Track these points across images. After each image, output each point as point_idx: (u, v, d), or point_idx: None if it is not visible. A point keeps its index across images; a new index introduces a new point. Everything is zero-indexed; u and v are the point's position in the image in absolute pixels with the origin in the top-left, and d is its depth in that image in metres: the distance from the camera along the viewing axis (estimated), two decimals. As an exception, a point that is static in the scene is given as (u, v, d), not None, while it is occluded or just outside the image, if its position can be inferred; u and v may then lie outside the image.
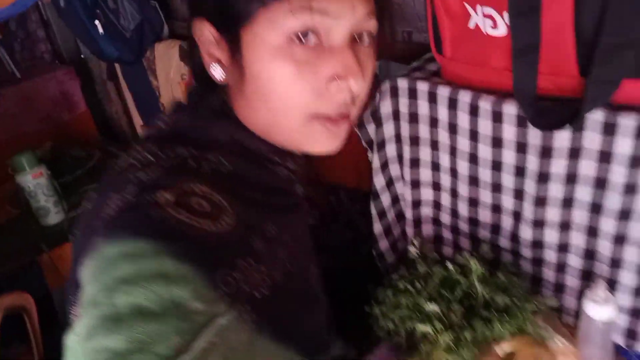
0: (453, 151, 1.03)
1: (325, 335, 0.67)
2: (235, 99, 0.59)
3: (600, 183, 0.86)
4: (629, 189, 0.83)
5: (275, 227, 0.59)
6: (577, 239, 0.95)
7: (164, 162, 0.54)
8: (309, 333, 0.61)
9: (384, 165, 1.13)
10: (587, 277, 0.96)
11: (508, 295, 0.92)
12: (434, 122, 1.03)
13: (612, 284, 0.92)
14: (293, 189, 0.67)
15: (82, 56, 2.82)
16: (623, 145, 0.81)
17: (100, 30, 1.95)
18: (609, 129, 0.81)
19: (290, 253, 0.60)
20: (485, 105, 0.92)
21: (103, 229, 0.49)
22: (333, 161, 0.68)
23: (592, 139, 0.84)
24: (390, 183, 1.16)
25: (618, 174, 0.84)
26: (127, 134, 2.65)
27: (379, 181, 1.14)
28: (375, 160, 1.12)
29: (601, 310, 0.81)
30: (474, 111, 0.95)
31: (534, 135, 0.89)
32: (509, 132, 0.92)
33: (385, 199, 1.16)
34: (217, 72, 0.55)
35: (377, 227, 1.17)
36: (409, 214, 1.18)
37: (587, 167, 0.86)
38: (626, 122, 0.79)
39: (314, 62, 0.52)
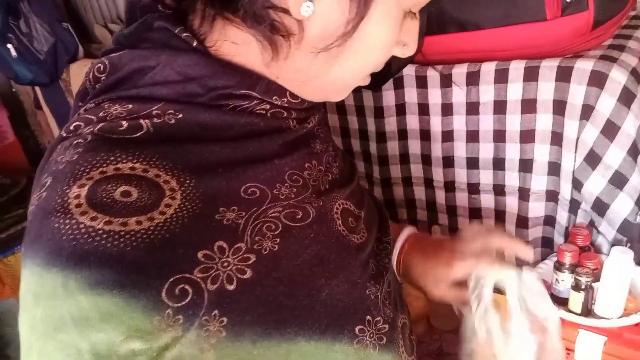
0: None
1: (364, 291, 0.50)
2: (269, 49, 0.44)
3: (425, 135, 0.95)
4: (446, 137, 0.92)
5: (259, 183, 0.46)
6: (419, 193, 1.03)
7: (88, 131, 0.42)
8: (333, 298, 0.46)
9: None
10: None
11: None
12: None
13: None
14: (285, 126, 0.51)
15: (13, 89, 2.86)
16: (433, 96, 0.90)
17: (14, 53, 2.00)
18: (421, 82, 0.91)
19: (291, 206, 0.47)
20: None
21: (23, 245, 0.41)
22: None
23: (410, 94, 0.93)
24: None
25: (436, 124, 0.93)
26: (55, 160, 2.67)
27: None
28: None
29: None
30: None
31: (368, 98, 0.98)
32: (349, 98, 1.01)
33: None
34: (308, 10, 0.41)
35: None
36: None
37: (413, 122, 0.95)
38: (433, 73, 0.89)
39: (400, 30, 0.47)
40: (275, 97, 0.48)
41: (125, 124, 0.43)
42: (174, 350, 0.37)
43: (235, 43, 0.45)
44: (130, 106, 0.44)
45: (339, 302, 0.47)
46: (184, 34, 0.45)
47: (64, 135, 0.44)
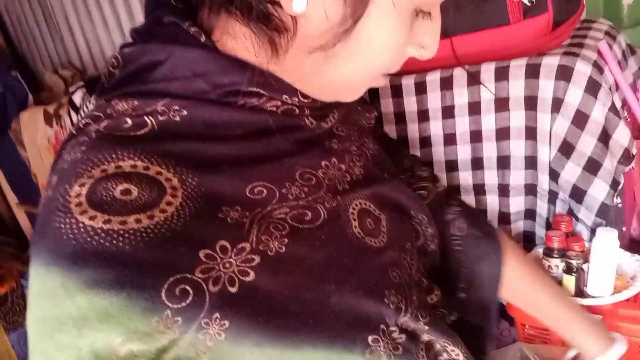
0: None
1: (382, 299, 0.47)
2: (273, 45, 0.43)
3: (403, 143, 0.98)
4: (424, 142, 0.96)
5: (266, 182, 0.44)
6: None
7: (94, 129, 0.42)
8: (344, 305, 0.44)
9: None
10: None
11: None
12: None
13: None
14: (299, 124, 0.49)
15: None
16: (409, 104, 0.94)
17: (-40, 105, 1.93)
18: (397, 91, 0.94)
19: (301, 206, 0.46)
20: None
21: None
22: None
23: (386, 104, 0.96)
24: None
25: (413, 131, 0.96)
26: (4, 214, 2.55)
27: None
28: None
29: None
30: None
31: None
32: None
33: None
34: (300, 5, 0.40)
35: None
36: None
37: (390, 131, 0.98)
38: (408, 82, 0.93)
39: (414, 30, 0.45)
40: (285, 96, 0.46)
41: (129, 121, 0.42)
42: (172, 352, 0.37)
43: (236, 38, 0.44)
44: (135, 102, 0.43)
45: (350, 310, 0.44)
46: (193, 29, 0.44)
47: (74, 132, 0.44)
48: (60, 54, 2.10)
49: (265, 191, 0.44)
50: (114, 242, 0.36)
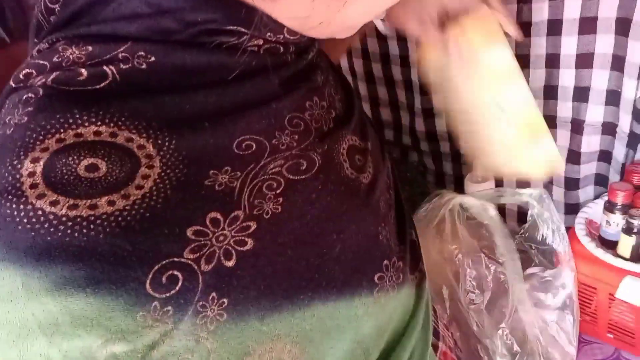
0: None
1: (378, 237, 0.45)
2: None
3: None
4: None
5: (254, 135, 0.39)
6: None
7: (40, 82, 0.35)
8: (347, 252, 0.42)
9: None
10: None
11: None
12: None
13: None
14: (283, 61, 0.44)
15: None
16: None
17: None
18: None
19: (294, 156, 0.41)
20: None
21: None
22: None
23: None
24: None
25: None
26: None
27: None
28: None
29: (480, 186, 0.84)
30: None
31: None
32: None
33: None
34: None
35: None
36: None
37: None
38: None
39: None
40: (269, 33, 0.40)
41: (85, 72, 0.35)
42: (164, 346, 0.32)
43: None
44: (90, 48, 0.36)
45: (354, 256, 0.42)
46: None
47: (13, 85, 0.36)
48: None
49: (254, 145, 0.39)
50: (84, 231, 0.31)
